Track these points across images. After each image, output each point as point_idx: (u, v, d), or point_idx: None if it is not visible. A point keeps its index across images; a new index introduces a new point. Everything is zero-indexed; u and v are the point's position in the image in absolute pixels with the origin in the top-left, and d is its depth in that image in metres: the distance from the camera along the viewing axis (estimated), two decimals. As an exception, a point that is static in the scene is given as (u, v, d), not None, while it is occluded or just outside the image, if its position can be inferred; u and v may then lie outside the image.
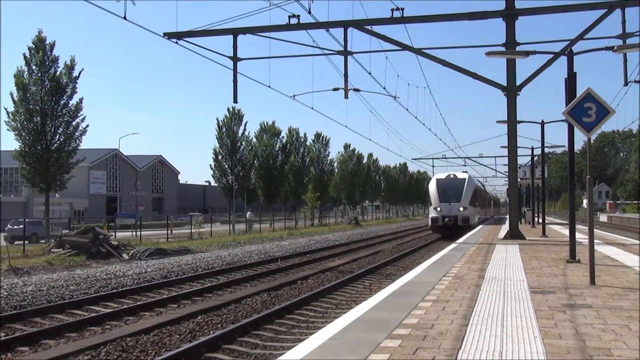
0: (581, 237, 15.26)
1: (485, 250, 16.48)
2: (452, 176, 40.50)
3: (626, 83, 21.48)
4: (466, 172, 43.52)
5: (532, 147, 39.31)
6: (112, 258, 24.82)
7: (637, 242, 20.43)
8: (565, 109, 10.21)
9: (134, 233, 40.72)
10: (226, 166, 57.33)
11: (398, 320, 6.58)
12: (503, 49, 20.67)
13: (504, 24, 21.17)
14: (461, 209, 37.58)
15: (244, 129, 59.06)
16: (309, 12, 19.28)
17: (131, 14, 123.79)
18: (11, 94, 32.70)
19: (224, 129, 57.62)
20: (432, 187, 40.14)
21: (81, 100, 34.10)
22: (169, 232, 41.36)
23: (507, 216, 38.59)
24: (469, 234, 27.46)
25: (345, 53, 21.15)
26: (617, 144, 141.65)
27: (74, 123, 33.78)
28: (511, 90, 21.48)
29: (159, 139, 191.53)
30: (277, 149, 65.19)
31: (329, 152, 78.53)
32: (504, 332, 5.99)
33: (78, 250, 25.20)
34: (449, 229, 36.71)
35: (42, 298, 14.70)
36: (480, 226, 37.15)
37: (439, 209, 37.96)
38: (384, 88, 27.11)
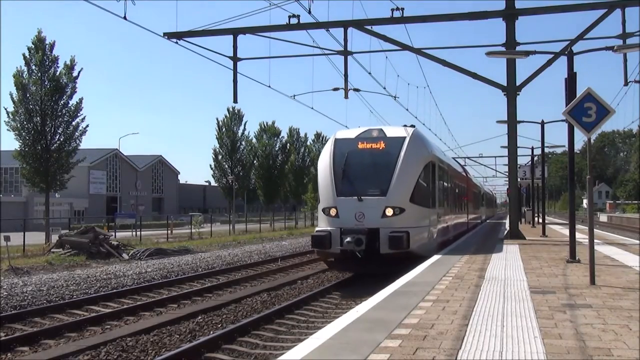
0: (581, 237, 15.26)
1: (485, 250, 16.46)
2: (374, 134, 16.79)
3: (626, 83, 21.48)
4: (413, 126, 18.12)
5: (532, 147, 38.08)
6: (112, 258, 24.82)
7: (637, 242, 20.43)
8: (565, 109, 10.21)
9: (134, 233, 40.71)
10: (226, 166, 57.46)
11: (398, 320, 6.58)
12: (503, 49, 20.66)
13: (504, 24, 21.16)
14: (389, 211, 15.55)
15: (244, 129, 59.24)
16: (309, 12, 19.27)
17: (131, 14, 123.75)
18: (10, 94, 32.78)
19: (223, 129, 57.76)
20: (324, 159, 16.91)
21: (81, 100, 34.18)
22: (169, 232, 41.37)
23: (505, 220, 37.89)
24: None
25: (345, 53, 21.14)
26: (618, 144, 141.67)
27: (73, 123, 33.86)
28: (511, 90, 21.47)
29: (159, 139, 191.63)
30: (277, 149, 65.33)
31: (329, 152, 78.48)
32: (504, 332, 5.99)
33: (78, 250, 25.21)
34: (358, 264, 15.71)
35: (42, 298, 14.70)
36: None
37: (333, 212, 15.90)
38: (384, 88, 26.99)
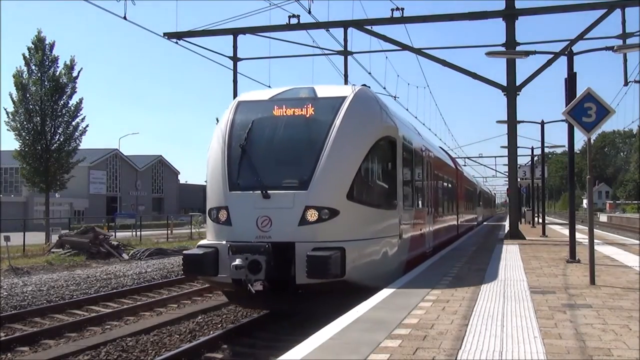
0: (581, 237, 15.26)
1: (485, 250, 16.47)
2: (300, 94, 10.97)
3: (626, 83, 21.53)
4: (366, 86, 11.84)
5: (532, 147, 38.16)
6: (112, 258, 24.82)
7: (637, 242, 20.43)
8: (565, 109, 10.22)
9: (134, 233, 40.73)
10: (226, 166, 57.41)
11: (398, 320, 6.57)
12: (503, 49, 20.67)
13: (504, 24, 21.17)
14: (311, 215, 9.67)
15: (244, 129, 59.13)
16: (309, 12, 19.30)
17: (131, 14, 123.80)
18: (10, 94, 32.82)
19: (224, 129, 57.72)
20: (217, 134, 11.03)
21: (81, 100, 34.22)
22: (169, 232, 41.38)
23: (505, 222, 37.49)
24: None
25: (345, 53, 21.18)
26: (618, 144, 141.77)
27: (73, 123, 33.92)
28: (511, 90, 21.47)
29: (159, 139, 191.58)
30: (277, 148, 65.21)
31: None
32: (504, 332, 5.99)
33: (78, 250, 25.21)
34: (263, 299, 10.35)
35: (42, 298, 14.71)
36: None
37: (223, 215, 10.10)
38: (384, 88, 27.12)
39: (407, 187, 12.60)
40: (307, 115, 10.48)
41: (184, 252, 10.28)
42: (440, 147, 25.34)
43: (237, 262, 9.23)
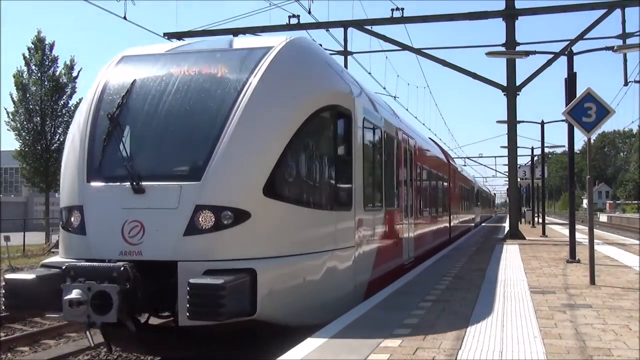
0: (581, 237, 15.26)
1: (485, 250, 16.47)
2: (209, 48, 8.01)
3: (626, 83, 21.57)
4: (312, 42, 9.48)
5: (532, 147, 38.30)
6: (112, 258, 24.82)
7: (637, 242, 20.43)
8: (565, 109, 10.22)
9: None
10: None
11: (398, 320, 6.57)
12: (503, 49, 20.68)
13: (504, 24, 21.18)
14: (205, 219, 6.35)
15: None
16: (309, 12, 19.33)
17: (131, 14, 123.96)
18: (10, 94, 32.90)
19: (223, 129, 57.82)
20: (83, 103, 7.91)
21: (81, 100, 34.19)
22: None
23: (504, 222, 37.35)
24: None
25: (345, 53, 21.20)
26: (618, 144, 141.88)
27: (73, 123, 33.94)
28: (511, 90, 21.47)
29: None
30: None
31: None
32: (504, 332, 5.99)
33: (78, 250, 25.22)
34: (143, 342, 7.24)
35: (42, 298, 14.69)
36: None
37: (75, 218, 6.76)
38: (384, 88, 27.15)
39: (371, 179, 9.49)
40: (212, 74, 7.30)
41: (6, 276, 6.76)
42: (431, 139, 22.57)
43: (74, 294, 5.97)
